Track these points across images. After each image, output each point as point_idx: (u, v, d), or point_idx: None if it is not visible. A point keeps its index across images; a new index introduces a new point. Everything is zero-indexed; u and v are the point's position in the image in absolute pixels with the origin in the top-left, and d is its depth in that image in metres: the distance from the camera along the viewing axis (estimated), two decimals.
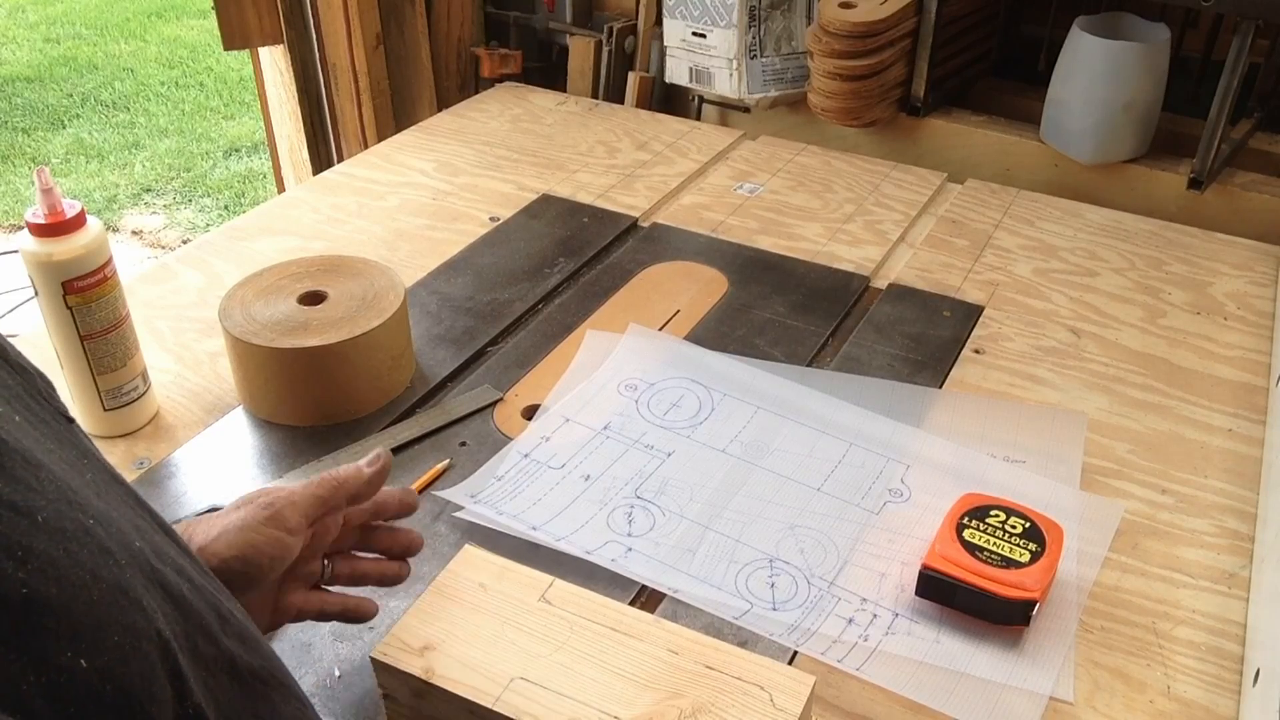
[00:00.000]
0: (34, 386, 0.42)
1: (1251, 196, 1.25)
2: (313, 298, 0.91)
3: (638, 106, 1.59)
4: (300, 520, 0.59)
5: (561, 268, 1.11)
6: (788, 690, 0.58)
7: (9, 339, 0.45)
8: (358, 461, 0.63)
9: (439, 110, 1.54)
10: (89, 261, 0.80)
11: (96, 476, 0.40)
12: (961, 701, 0.66)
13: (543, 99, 1.51)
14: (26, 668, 0.30)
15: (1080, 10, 1.32)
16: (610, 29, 1.59)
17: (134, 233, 3.07)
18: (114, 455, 0.85)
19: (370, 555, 0.67)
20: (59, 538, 0.33)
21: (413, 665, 0.59)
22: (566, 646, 0.60)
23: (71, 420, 0.43)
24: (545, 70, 1.71)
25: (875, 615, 0.72)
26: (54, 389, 0.44)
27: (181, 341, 0.99)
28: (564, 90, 1.60)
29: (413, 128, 1.43)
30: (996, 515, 0.73)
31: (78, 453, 0.40)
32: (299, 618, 0.63)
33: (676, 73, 1.51)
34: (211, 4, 1.55)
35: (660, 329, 1.01)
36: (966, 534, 0.72)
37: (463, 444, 0.87)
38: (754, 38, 1.42)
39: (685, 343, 0.99)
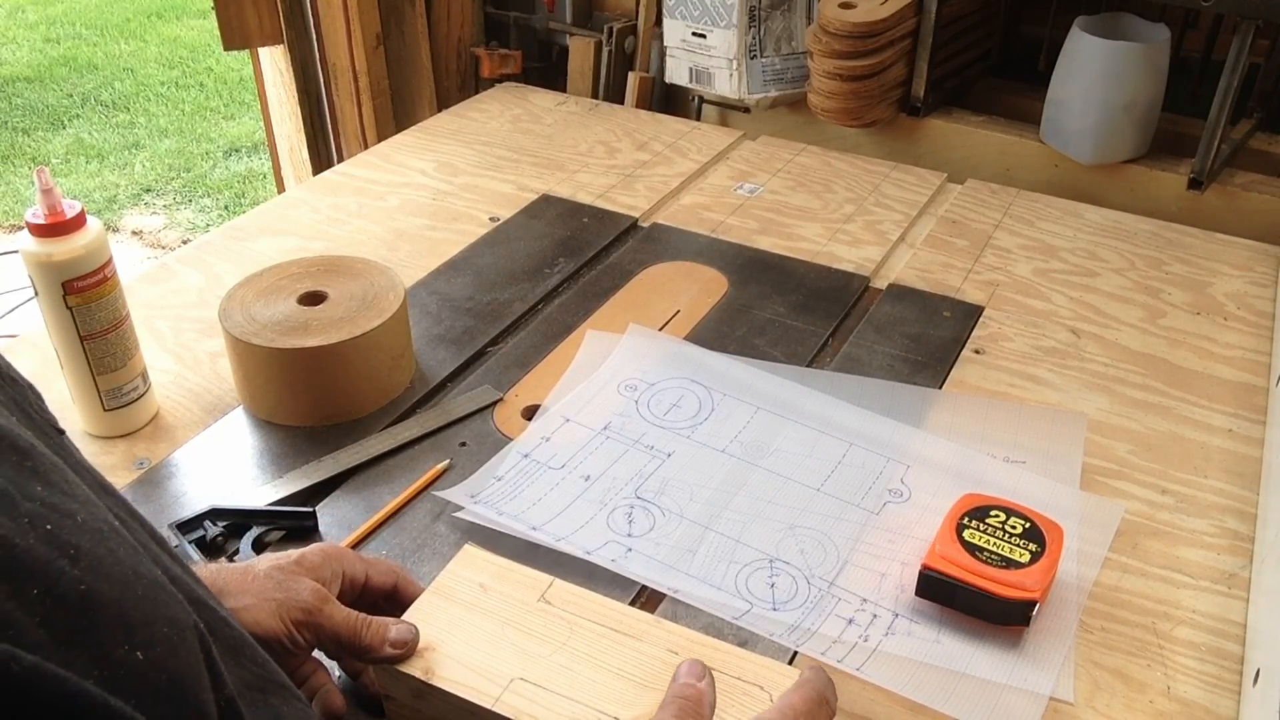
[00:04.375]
0: (25, 399, 0.41)
1: (1251, 196, 1.25)
2: (313, 298, 0.91)
3: (638, 107, 1.59)
4: (321, 640, 0.61)
5: (561, 268, 1.11)
6: None
7: (8, 339, 0.45)
8: (392, 634, 0.60)
9: (439, 110, 1.54)
10: (89, 262, 0.80)
11: (89, 490, 0.40)
12: (961, 702, 0.66)
13: (543, 99, 1.51)
14: (90, 664, 0.31)
15: (1080, 10, 1.32)
16: (610, 29, 1.59)
17: (134, 233, 3.07)
18: (114, 455, 0.85)
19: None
20: (99, 536, 0.34)
21: (412, 666, 0.59)
22: (566, 647, 0.60)
23: (62, 432, 0.43)
24: (545, 70, 1.71)
25: (875, 615, 0.72)
26: (43, 401, 0.44)
27: (181, 341, 0.99)
28: (564, 90, 1.60)
29: (413, 128, 1.43)
30: (996, 515, 0.73)
31: (69, 466, 0.40)
32: None
33: (676, 73, 1.51)
34: (211, 4, 1.55)
35: (660, 329, 1.01)
36: (966, 534, 0.72)
37: (463, 444, 0.87)
38: (754, 38, 1.42)
39: (685, 343, 0.99)
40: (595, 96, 1.62)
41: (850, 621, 0.72)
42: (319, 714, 0.63)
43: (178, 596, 0.36)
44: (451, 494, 0.81)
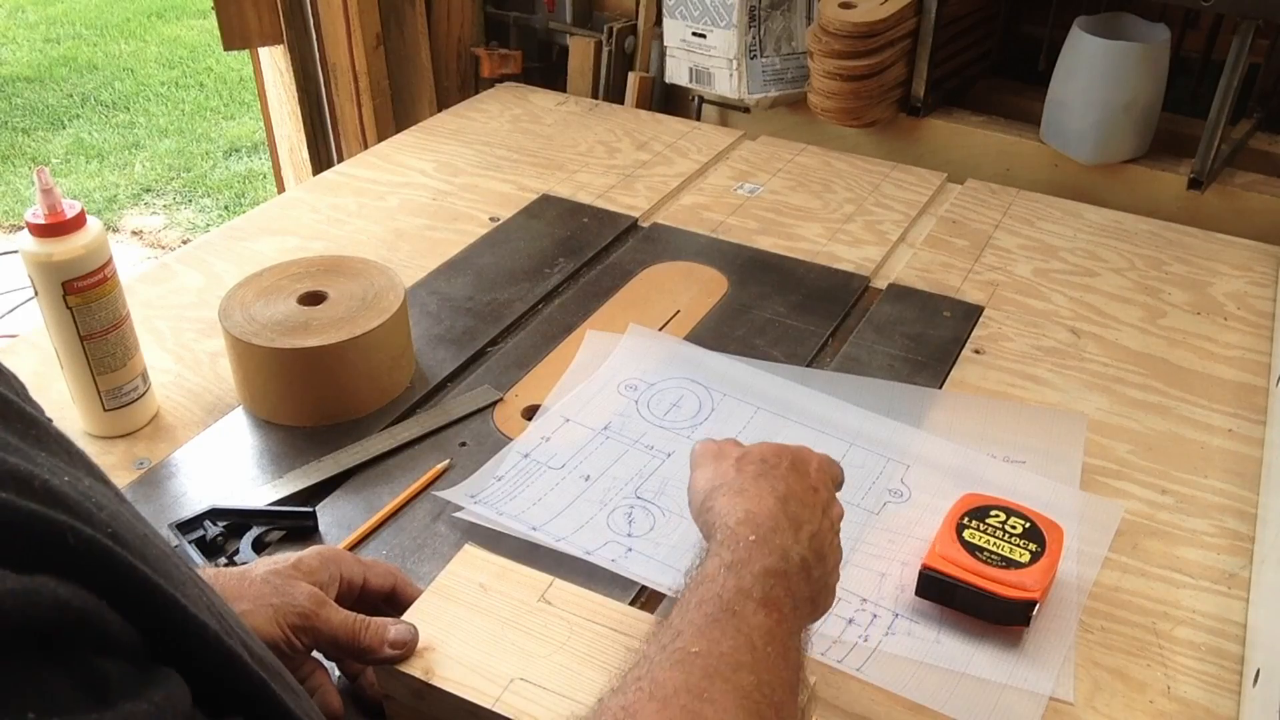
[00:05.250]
0: (11, 387, 0.42)
1: (1251, 196, 1.25)
2: (313, 298, 0.91)
3: (638, 106, 1.59)
4: (319, 643, 0.61)
5: (561, 268, 1.11)
6: None
7: (8, 339, 0.45)
8: (391, 634, 0.60)
9: (439, 110, 1.54)
10: (89, 262, 0.80)
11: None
12: (961, 701, 0.66)
13: (543, 99, 1.51)
14: None
15: (1080, 10, 1.32)
16: (610, 29, 1.59)
17: (134, 233, 3.07)
18: (114, 455, 0.85)
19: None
20: (108, 499, 0.34)
21: (412, 666, 0.59)
22: (566, 647, 0.60)
23: (49, 420, 0.43)
24: (545, 70, 1.71)
25: (875, 615, 0.72)
26: (26, 390, 0.44)
27: (181, 341, 0.99)
28: (564, 90, 1.60)
29: (413, 128, 1.43)
30: (996, 515, 0.73)
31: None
32: None
33: (676, 73, 1.51)
34: (211, 4, 1.55)
35: (660, 329, 1.01)
36: (966, 534, 0.72)
37: (463, 444, 0.87)
38: (754, 38, 1.42)
39: (685, 343, 0.99)
40: (595, 96, 1.62)
41: (850, 621, 0.72)
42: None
43: (185, 570, 0.37)
44: (451, 494, 0.80)
